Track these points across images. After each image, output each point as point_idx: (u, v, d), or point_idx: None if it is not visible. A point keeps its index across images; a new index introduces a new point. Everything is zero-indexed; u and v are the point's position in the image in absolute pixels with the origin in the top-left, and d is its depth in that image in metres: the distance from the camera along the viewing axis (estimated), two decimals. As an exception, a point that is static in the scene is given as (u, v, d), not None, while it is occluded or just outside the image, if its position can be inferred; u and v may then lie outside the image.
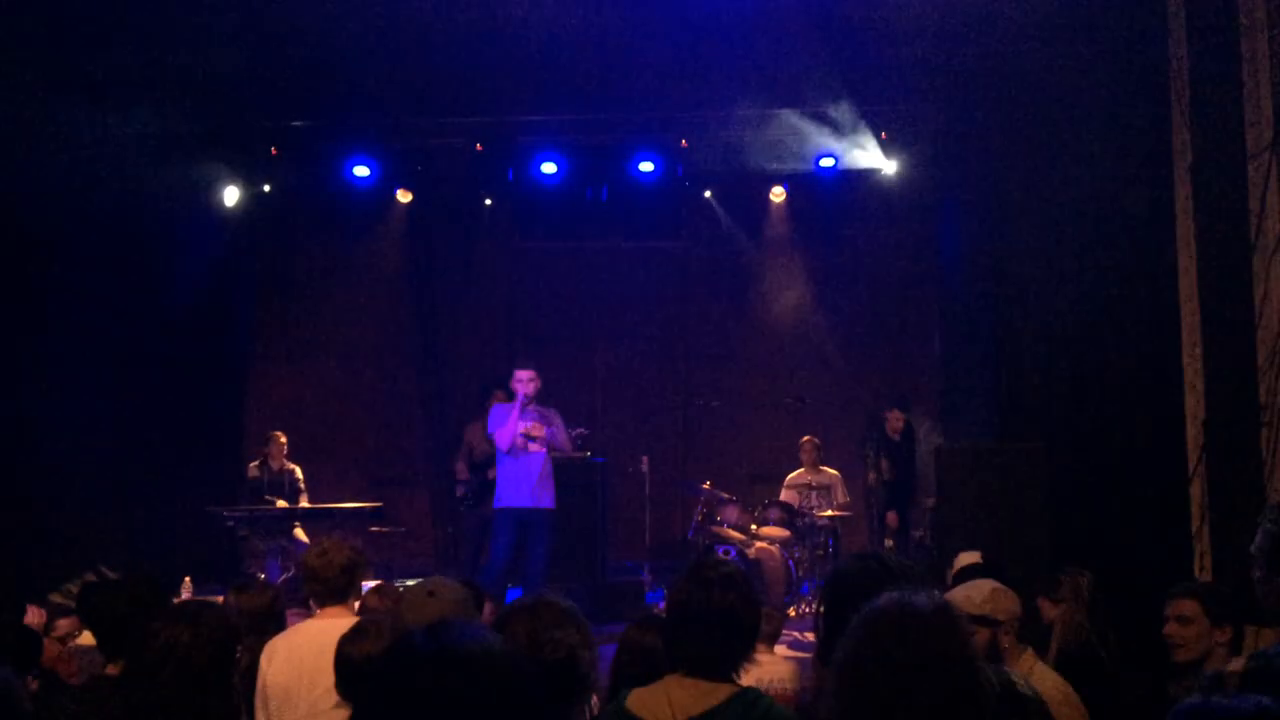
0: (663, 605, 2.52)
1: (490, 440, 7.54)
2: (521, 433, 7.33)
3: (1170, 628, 3.25)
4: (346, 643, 2.90)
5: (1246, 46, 5.62)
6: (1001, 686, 2.01)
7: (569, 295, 11.46)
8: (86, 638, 4.92)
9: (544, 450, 7.44)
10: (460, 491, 8.20)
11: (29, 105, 7.48)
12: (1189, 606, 3.22)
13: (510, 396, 7.62)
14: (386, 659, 1.33)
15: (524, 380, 7.42)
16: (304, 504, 9.03)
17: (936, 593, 1.72)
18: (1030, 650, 3.05)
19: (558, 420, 7.62)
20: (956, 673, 1.54)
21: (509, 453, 7.37)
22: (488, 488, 8.12)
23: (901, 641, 1.55)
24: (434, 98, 9.10)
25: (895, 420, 9.25)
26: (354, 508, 8.75)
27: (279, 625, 3.78)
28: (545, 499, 7.46)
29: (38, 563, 7.67)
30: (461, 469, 8.18)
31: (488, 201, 11.06)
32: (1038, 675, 2.91)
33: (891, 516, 8.98)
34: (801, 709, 3.22)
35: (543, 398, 7.60)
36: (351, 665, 2.87)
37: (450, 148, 10.08)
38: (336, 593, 3.53)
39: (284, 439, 9.20)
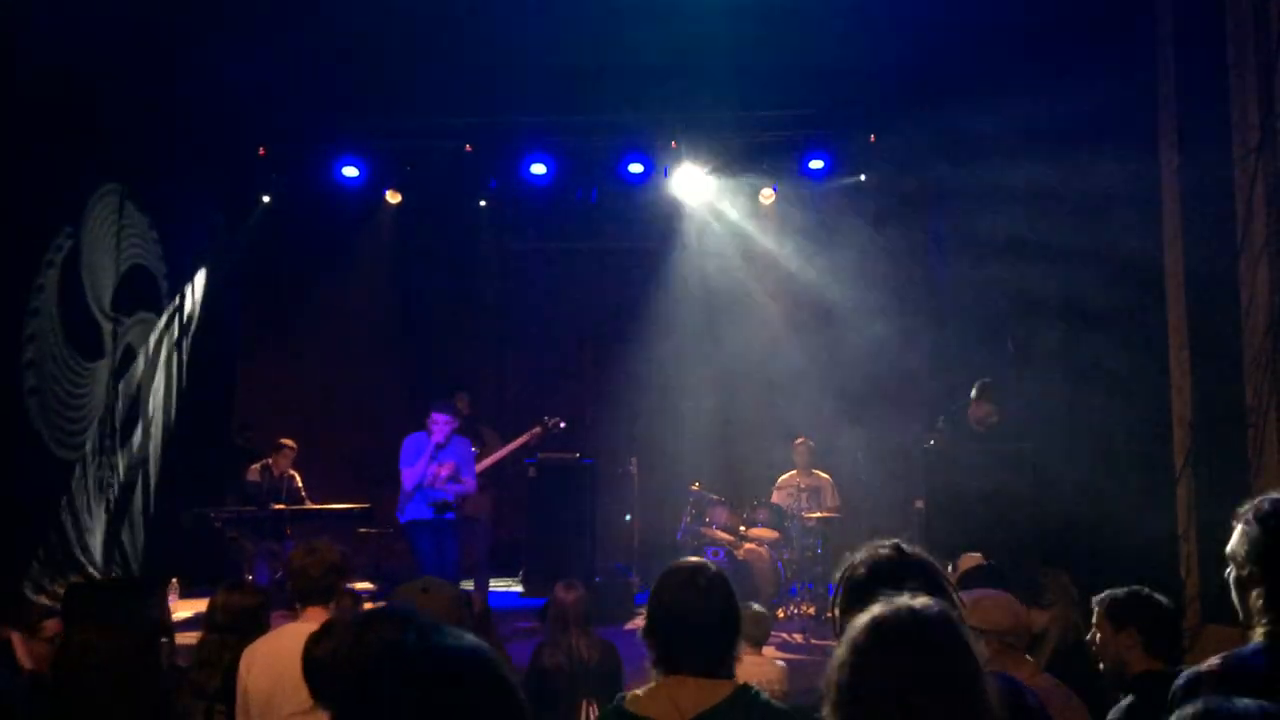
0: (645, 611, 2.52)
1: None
2: (430, 476, 7.44)
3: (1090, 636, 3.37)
4: (312, 643, 2.89)
5: (1233, 51, 5.65)
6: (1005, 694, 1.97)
7: (558, 296, 11.46)
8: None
9: (450, 484, 7.55)
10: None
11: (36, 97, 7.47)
12: (1097, 615, 3.33)
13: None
14: (375, 659, 1.32)
15: (440, 424, 7.43)
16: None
17: (937, 598, 1.67)
18: (1032, 661, 3.03)
19: (468, 457, 7.69)
20: (964, 685, 1.50)
21: (414, 490, 7.46)
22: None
23: (907, 651, 1.50)
24: (423, 98, 9.08)
25: (985, 411, 7.54)
26: (342, 509, 8.72)
27: (262, 629, 3.75)
28: (448, 512, 7.59)
29: (26, 563, 7.65)
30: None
31: (482, 203, 11.03)
32: (1047, 684, 2.90)
33: None
34: (799, 710, 3.22)
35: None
36: (317, 664, 2.85)
37: (440, 148, 10.06)
38: (321, 592, 3.52)
39: (293, 449, 9.15)
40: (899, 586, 1.65)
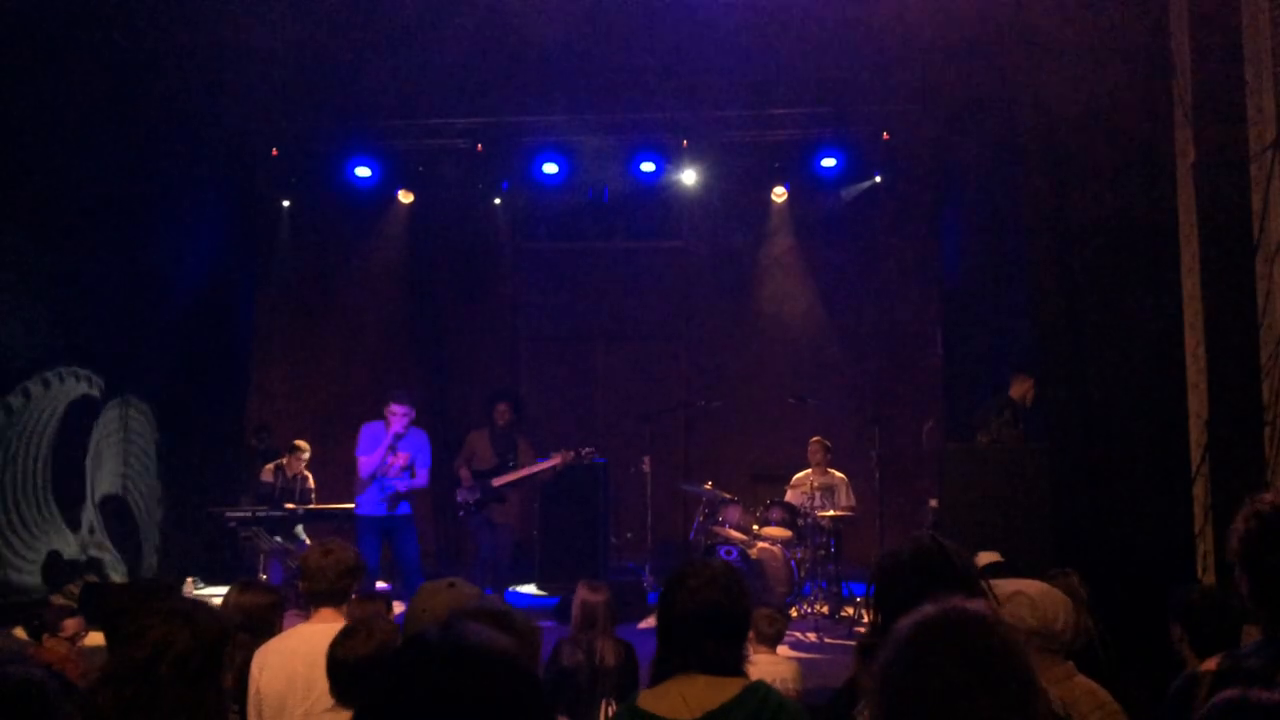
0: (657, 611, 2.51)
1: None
2: (387, 465, 7.56)
3: None
4: (337, 645, 2.92)
5: (1248, 45, 5.62)
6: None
7: (571, 296, 11.46)
8: (94, 638, 4.94)
9: (405, 475, 7.64)
10: (462, 497, 8.24)
11: (44, 100, 7.51)
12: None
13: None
14: (399, 652, 1.34)
15: (398, 414, 7.52)
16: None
17: (987, 601, 1.61)
18: (1069, 664, 2.95)
19: (424, 449, 7.73)
20: (1020, 696, 1.43)
21: (368, 479, 7.58)
22: (489, 492, 8.16)
23: (960, 659, 1.43)
24: (436, 98, 9.11)
25: (1029, 384, 7.65)
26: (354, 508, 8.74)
27: (275, 629, 3.77)
28: (402, 506, 7.71)
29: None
30: (465, 474, 8.22)
31: (496, 201, 11.04)
32: (1079, 689, 2.84)
33: None
34: (812, 709, 3.21)
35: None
36: (343, 666, 2.88)
37: (452, 148, 10.08)
38: (335, 594, 3.53)
39: (307, 450, 9.18)
40: (935, 580, 1.62)
